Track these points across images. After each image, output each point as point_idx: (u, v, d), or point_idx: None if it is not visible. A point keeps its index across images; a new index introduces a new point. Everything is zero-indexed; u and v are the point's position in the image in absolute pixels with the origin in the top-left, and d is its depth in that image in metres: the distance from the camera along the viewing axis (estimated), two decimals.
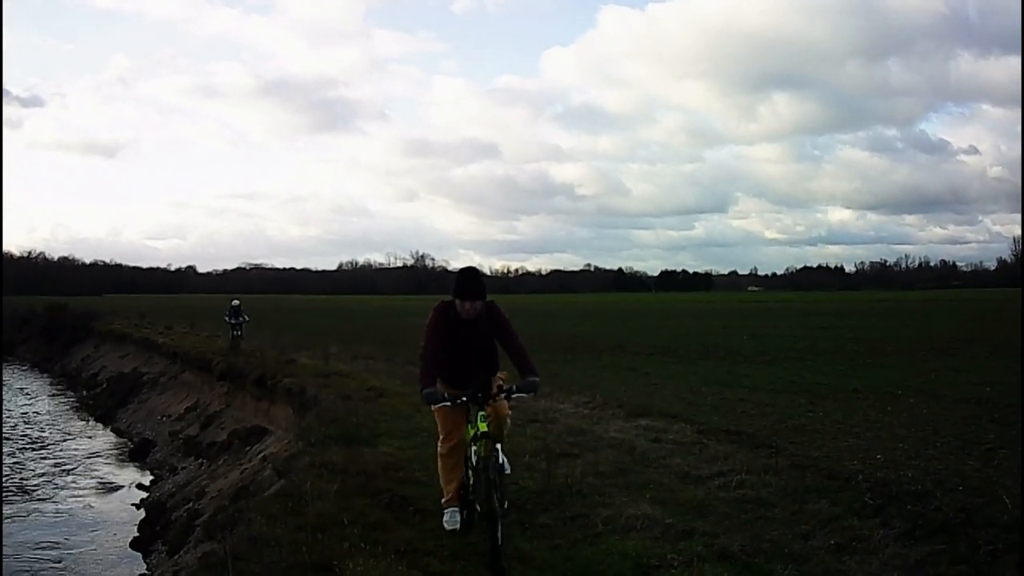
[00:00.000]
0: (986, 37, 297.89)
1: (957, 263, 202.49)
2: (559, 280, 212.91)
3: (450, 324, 8.38)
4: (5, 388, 45.57)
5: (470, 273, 8.46)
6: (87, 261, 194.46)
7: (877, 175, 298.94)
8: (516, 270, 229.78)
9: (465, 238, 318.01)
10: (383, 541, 8.81)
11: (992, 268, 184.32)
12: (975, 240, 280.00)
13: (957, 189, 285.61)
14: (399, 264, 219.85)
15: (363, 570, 7.90)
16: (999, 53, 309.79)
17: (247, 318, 35.41)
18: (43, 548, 17.38)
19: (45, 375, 52.14)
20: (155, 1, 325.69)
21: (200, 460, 23.51)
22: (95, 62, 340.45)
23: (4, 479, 22.85)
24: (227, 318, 35.44)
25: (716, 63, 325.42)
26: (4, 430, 31.02)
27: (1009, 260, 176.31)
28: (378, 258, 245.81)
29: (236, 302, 35.71)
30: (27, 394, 42.55)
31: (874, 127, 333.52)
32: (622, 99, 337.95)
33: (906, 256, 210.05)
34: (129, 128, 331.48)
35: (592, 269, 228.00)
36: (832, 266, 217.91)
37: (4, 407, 37.11)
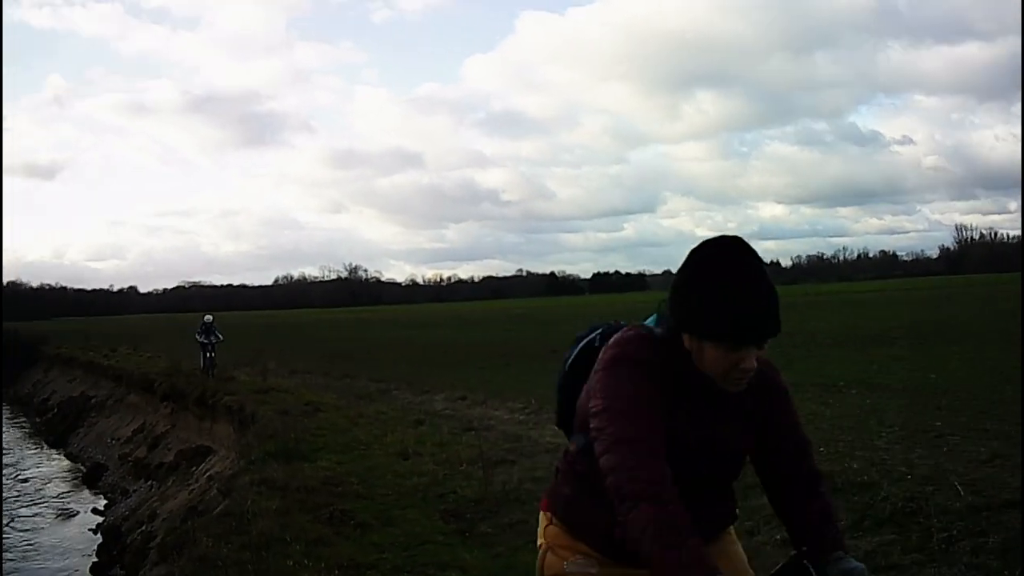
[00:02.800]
0: (917, 27, 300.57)
1: (898, 253, 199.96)
2: (492, 287, 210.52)
3: (680, 398, 2.85)
4: None
5: (754, 270, 2.77)
6: (34, 285, 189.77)
7: (808, 169, 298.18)
8: (448, 278, 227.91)
9: (395, 248, 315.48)
10: (325, 557, 8.82)
11: (935, 256, 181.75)
12: (914, 230, 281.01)
13: (892, 180, 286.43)
14: (333, 277, 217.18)
15: None
16: (931, 43, 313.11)
17: (221, 337, 29.84)
18: None
19: None
20: (87, 19, 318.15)
21: (150, 482, 23.25)
22: (33, 83, 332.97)
23: None
24: (198, 336, 29.64)
25: (638, 65, 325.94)
26: None
27: (952, 248, 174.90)
28: (312, 271, 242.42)
29: (209, 318, 30.22)
30: None
31: (802, 121, 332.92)
32: (544, 104, 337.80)
33: (844, 248, 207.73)
34: (67, 149, 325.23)
35: (524, 274, 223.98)
36: (769, 261, 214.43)
37: None
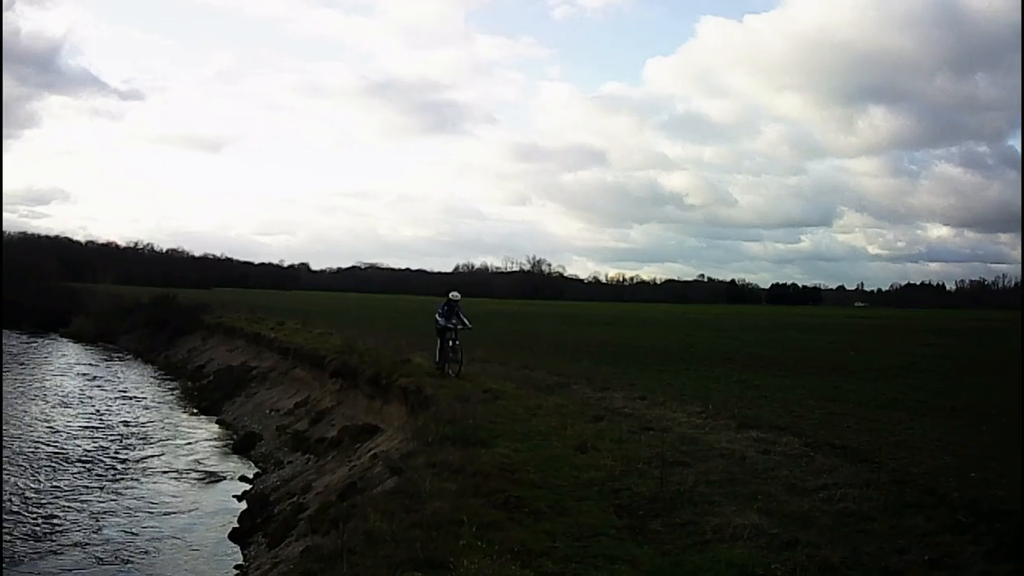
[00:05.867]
0: None
1: None
2: (673, 290, 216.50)
3: None
4: (107, 372, 47.07)
5: None
6: (196, 254, 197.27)
7: (971, 191, 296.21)
8: (631, 278, 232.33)
9: (578, 244, 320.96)
10: (498, 540, 9.16)
11: None
12: None
13: None
14: (515, 268, 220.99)
15: (477, 568, 8.20)
16: None
17: (468, 323, 25.24)
18: (138, 536, 17.99)
19: (149, 365, 53.59)
20: (255, 0, 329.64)
21: (307, 455, 23.97)
22: (195, 58, 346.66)
23: (103, 469, 23.76)
24: (439, 318, 25.06)
25: (812, 75, 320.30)
26: (106, 417, 32.53)
27: None
28: (493, 261, 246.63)
29: (455, 295, 25.88)
30: (130, 383, 43.75)
31: (966, 142, 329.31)
32: (724, 109, 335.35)
33: (1003, 275, 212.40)
34: (233, 124, 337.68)
35: (705, 280, 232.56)
36: (934, 283, 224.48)
37: (106, 395, 38.73)
